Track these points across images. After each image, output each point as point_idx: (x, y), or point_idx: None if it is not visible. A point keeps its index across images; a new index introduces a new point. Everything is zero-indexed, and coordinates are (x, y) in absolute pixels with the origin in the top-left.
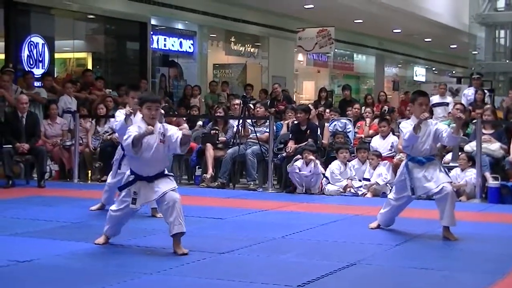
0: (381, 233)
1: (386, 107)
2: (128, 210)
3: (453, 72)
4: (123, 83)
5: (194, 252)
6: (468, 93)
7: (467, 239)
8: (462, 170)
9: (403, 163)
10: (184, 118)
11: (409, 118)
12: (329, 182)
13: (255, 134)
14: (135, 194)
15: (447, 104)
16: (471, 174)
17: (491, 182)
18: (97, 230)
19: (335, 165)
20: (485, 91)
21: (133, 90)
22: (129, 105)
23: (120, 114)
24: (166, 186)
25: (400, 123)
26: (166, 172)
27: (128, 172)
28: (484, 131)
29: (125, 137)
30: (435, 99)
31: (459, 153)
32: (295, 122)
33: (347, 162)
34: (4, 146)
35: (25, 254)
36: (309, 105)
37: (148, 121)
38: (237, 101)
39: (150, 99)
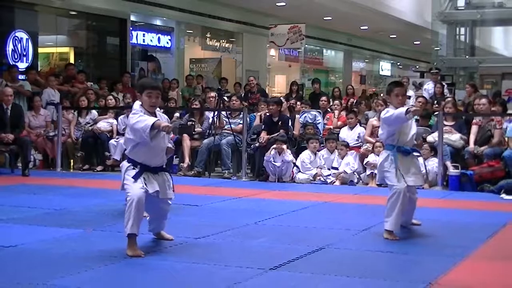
0: (348, 219)
1: (353, 100)
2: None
3: (417, 66)
4: (104, 76)
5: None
6: (428, 87)
7: (429, 224)
8: (425, 159)
9: (386, 154)
10: (162, 110)
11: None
12: (299, 171)
13: (229, 126)
14: (145, 180)
15: (409, 97)
16: (433, 163)
17: (452, 171)
18: (79, 217)
19: (306, 155)
20: (444, 84)
21: None
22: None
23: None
24: (169, 191)
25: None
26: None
27: (126, 163)
28: (445, 122)
29: (139, 120)
30: None
31: (422, 143)
32: (268, 114)
33: (317, 152)
34: None
35: (10, 239)
36: (281, 98)
37: (148, 109)
38: (213, 94)
39: (150, 86)
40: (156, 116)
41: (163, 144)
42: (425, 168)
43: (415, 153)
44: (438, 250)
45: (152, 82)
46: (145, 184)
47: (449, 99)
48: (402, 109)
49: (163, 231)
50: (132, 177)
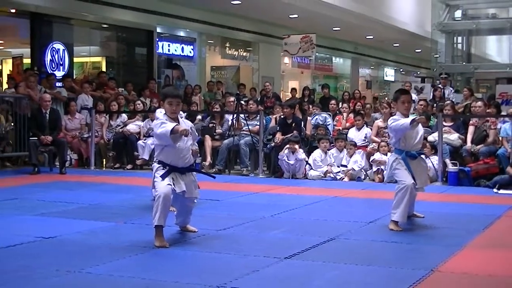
0: (356, 212)
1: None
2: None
3: (418, 72)
4: (132, 83)
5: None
6: (447, 91)
7: (430, 216)
8: (426, 157)
9: (395, 157)
10: (185, 114)
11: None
12: (311, 168)
13: (247, 127)
14: (173, 180)
15: (413, 101)
16: (434, 161)
17: (451, 168)
18: (112, 211)
19: (317, 154)
20: (452, 89)
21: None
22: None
23: (161, 116)
24: (195, 191)
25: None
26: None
27: (156, 165)
28: (444, 123)
29: (159, 126)
30: None
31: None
32: (282, 116)
33: (327, 151)
34: (30, 138)
35: (50, 231)
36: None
37: (169, 115)
38: (232, 99)
39: (170, 94)
40: (178, 122)
41: (188, 146)
42: (432, 165)
43: (422, 156)
44: (439, 240)
45: (173, 91)
46: (173, 183)
47: (448, 102)
48: (408, 120)
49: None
50: (160, 176)
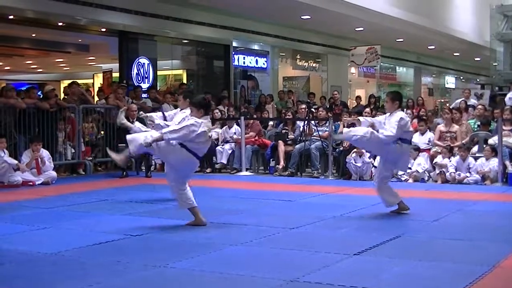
0: (420, 211)
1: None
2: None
3: (478, 80)
4: (210, 92)
5: (269, 228)
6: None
7: (490, 215)
8: (487, 159)
9: None
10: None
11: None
12: None
13: (317, 133)
14: None
15: (473, 106)
16: (494, 163)
17: (511, 169)
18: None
19: None
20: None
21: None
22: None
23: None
24: None
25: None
26: None
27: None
28: (504, 127)
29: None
30: (462, 103)
31: (484, 146)
32: (350, 122)
33: None
34: (119, 145)
35: (136, 229)
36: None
37: None
38: (303, 106)
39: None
40: None
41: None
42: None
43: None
44: (500, 237)
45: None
46: None
47: (507, 107)
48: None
49: None
50: None
